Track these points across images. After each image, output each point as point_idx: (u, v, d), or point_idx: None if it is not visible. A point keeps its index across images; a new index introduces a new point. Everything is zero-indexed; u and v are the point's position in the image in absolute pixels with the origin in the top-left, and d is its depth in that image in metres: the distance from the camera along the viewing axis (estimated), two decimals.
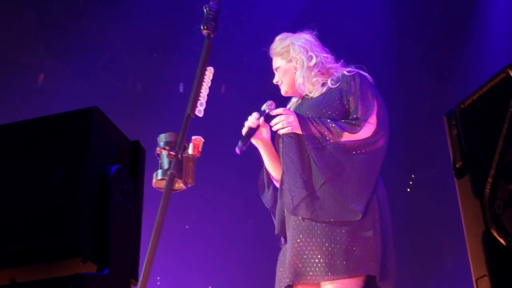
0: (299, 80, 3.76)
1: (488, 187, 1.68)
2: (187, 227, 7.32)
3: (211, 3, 3.97)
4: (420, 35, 7.20)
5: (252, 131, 3.70)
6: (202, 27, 3.97)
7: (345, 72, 3.71)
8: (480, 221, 1.69)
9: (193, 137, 3.90)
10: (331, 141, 3.48)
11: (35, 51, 7.18)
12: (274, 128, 3.54)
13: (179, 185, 3.70)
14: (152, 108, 7.24)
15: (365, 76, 3.74)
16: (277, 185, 3.77)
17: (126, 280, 1.73)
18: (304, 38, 3.81)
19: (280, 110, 3.54)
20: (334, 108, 3.62)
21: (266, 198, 3.84)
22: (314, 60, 3.74)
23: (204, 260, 7.22)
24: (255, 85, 7.43)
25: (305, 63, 3.76)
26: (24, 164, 1.75)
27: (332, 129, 3.47)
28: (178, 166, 3.71)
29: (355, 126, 3.48)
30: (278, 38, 3.93)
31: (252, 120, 3.67)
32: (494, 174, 1.66)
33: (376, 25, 7.13)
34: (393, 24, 7.13)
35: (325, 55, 3.82)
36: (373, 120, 3.52)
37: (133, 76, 7.66)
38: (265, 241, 7.27)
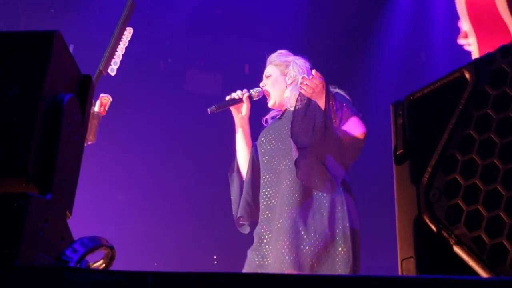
0: (288, 94, 4.13)
1: (427, 176, 1.78)
2: None
3: None
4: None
5: (233, 102, 4.11)
6: None
7: None
8: (414, 206, 1.79)
9: (101, 95, 3.88)
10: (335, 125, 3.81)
11: None
12: (301, 85, 3.80)
13: None
14: None
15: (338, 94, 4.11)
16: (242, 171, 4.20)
17: (64, 210, 1.70)
18: (303, 61, 4.23)
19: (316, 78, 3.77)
20: (315, 118, 3.90)
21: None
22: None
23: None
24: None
25: (298, 82, 4.11)
26: None
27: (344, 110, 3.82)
28: None
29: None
30: (280, 51, 4.35)
31: (238, 93, 4.08)
32: (434, 165, 1.77)
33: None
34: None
35: None
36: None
37: (25, 25, 7.38)
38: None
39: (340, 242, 3.68)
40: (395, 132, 1.90)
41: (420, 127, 1.87)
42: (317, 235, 3.68)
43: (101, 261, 1.66)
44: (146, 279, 1.36)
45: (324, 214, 3.76)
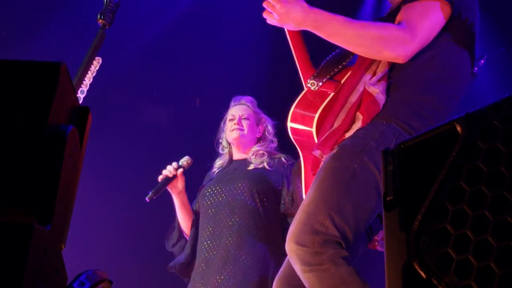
0: (258, 148, 4.11)
1: (417, 223, 1.83)
2: None
3: None
4: None
5: (168, 180, 3.96)
6: (98, 17, 3.95)
7: (283, 159, 4.09)
8: (403, 253, 1.84)
9: None
10: None
11: None
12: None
13: None
14: None
15: None
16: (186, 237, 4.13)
17: (59, 242, 1.69)
18: (272, 122, 4.40)
19: None
20: (269, 185, 3.93)
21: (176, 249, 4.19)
22: (274, 143, 4.32)
23: None
24: None
25: (269, 141, 4.14)
26: None
27: None
28: None
29: None
30: (252, 98, 4.31)
31: (170, 169, 3.96)
32: (424, 213, 1.83)
33: None
34: None
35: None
36: None
37: None
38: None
39: None
40: (385, 179, 1.95)
41: (410, 175, 1.93)
42: None
43: None
44: None
45: (261, 274, 3.80)
